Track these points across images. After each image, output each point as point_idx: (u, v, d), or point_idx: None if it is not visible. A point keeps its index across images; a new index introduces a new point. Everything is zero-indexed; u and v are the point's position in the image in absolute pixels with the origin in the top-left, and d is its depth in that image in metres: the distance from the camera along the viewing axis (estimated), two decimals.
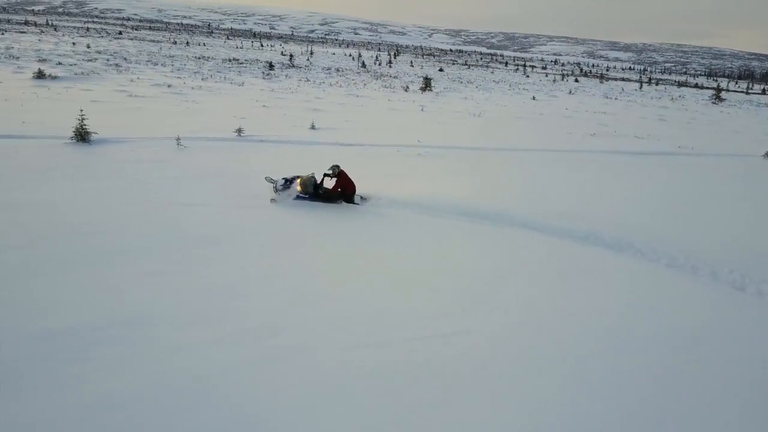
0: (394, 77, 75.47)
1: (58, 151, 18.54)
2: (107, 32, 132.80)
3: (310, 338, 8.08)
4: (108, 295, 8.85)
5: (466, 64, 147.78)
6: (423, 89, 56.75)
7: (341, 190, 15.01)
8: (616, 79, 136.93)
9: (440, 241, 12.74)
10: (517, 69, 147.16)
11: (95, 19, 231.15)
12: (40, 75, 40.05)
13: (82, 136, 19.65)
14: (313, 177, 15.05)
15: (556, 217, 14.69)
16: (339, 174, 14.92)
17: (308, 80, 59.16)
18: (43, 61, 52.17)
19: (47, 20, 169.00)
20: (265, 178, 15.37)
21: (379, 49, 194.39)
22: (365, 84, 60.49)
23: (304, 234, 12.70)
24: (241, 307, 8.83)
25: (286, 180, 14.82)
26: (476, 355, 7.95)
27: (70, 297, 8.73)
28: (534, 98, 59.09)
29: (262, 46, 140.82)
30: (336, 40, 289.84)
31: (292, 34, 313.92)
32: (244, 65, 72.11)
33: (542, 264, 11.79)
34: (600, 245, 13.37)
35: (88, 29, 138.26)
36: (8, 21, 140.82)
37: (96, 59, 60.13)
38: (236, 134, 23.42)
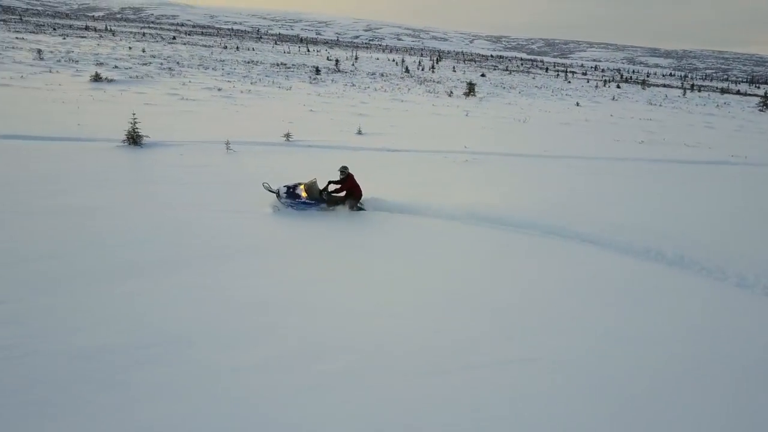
0: (438, 82, 74.61)
1: (110, 154, 18.25)
2: (162, 37, 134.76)
3: (360, 363, 7.35)
4: (148, 311, 8.27)
5: (507, 70, 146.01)
6: (467, 94, 55.81)
7: (348, 193, 14.20)
8: (657, 86, 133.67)
9: (495, 254, 11.92)
10: (558, 75, 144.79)
11: (151, 25, 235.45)
12: (96, 78, 40.35)
13: (134, 139, 19.36)
14: (316, 182, 14.22)
15: (614, 231, 13.70)
16: (347, 176, 14.15)
17: (354, 85, 58.70)
18: (101, 64, 52.76)
19: (106, 26, 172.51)
20: (263, 184, 14.22)
21: (422, 55, 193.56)
22: (409, 89, 59.80)
23: (343, 245, 11.99)
24: (281, 325, 8.17)
25: (289, 188, 13.70)
26: (542, 386, 7.14)
27: (110, 312, 8.17)
28: (578, 104, 57.61)
29: (308, 51, 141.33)
30: (379, 45, 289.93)
31: (337, 39, 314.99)
32: (292, 70, 72.08)
33: (604, 282, 10.85)
34: (662, 262, 12.36)
35: (144, 34, 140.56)
36: (70, 26, 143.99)
37: (150, 63, 60.66)
38: (284, 139, 22.92)
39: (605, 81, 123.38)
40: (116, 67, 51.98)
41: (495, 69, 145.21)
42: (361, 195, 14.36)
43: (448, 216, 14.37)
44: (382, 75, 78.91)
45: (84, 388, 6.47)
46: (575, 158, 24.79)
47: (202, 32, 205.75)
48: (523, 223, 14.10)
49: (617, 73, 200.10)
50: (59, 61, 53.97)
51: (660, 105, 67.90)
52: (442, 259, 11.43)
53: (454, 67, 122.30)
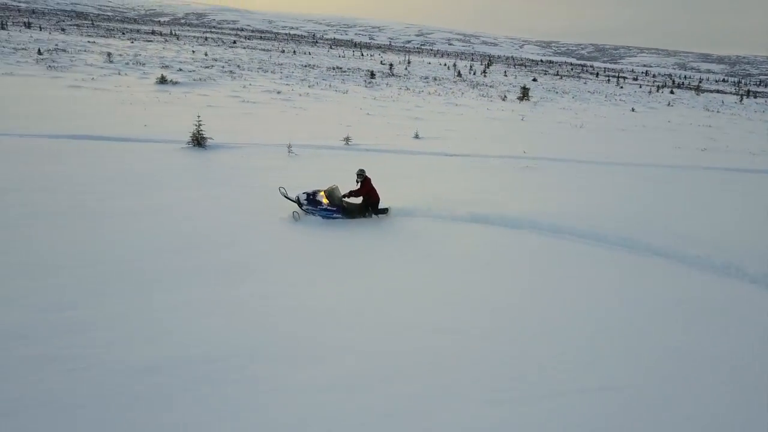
0: (490, 86, 73.37)
1: (176, 155, 18.08)
2: (223, 41, 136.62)
3: (437, 387, 6.73)
4: (213, 322, 7.82)
5: (557, 75, 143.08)
6: (521, 99, 54.56)
7: (366, 197, 13.23)
8: (710, 91, 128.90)
9: (565, 268, 11.06)
10: (609, 80, 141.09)
11: (213, 30, 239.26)
12: (162, 80, 40.78)
13: (198, 141, 19.18)
14: (338, 188, 13.25)
15: (688, 244, 12.71)
16: (365, 179, 13.20)
17: (408, 89, 58.10)
18: (166, 67, 53.48)
19: (171, 30, 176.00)
20: (279, 189, 13.21)
21: (472, 59, 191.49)
22: (463, 93, 58.85)
23: (403, 256, 11.28)
24: (346, 339, 7.62)
25: (309, 195, 12.75)
26: (627, 419, 6.40)
27: (176, 322, 7.76)
28: (633, 110, 55.66)
29: (362, 55, 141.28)
30: (431, 50, 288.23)
31: (389, 44, 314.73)
32: (347, 73, 71.90)
33: (685, 303, 9.88)
34: (744, 279, 11.35)
35: (206, 39, 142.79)
36: (138, 31, 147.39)
37: (212, 66, 61.28)
38: (344, 143, 22.46)
39: (658, 87, 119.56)
40: (180, 69, 52.58)
41: (545, 73, 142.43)
42: (378, 199, 13.37)
43: (509, 224, 13.62)
44: (435, 79, 78.04)
45: (145, 407, 6.03)
46: (636, 166, 23.58)
47: (261, 36, 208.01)
48: (590, 233, 13.24)
49: (669, 79, 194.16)
50: (127, 63, 54.94)
51: (717, 111, 65.14)
52: (507, 272, 10.69)
53: (505, 72, 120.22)
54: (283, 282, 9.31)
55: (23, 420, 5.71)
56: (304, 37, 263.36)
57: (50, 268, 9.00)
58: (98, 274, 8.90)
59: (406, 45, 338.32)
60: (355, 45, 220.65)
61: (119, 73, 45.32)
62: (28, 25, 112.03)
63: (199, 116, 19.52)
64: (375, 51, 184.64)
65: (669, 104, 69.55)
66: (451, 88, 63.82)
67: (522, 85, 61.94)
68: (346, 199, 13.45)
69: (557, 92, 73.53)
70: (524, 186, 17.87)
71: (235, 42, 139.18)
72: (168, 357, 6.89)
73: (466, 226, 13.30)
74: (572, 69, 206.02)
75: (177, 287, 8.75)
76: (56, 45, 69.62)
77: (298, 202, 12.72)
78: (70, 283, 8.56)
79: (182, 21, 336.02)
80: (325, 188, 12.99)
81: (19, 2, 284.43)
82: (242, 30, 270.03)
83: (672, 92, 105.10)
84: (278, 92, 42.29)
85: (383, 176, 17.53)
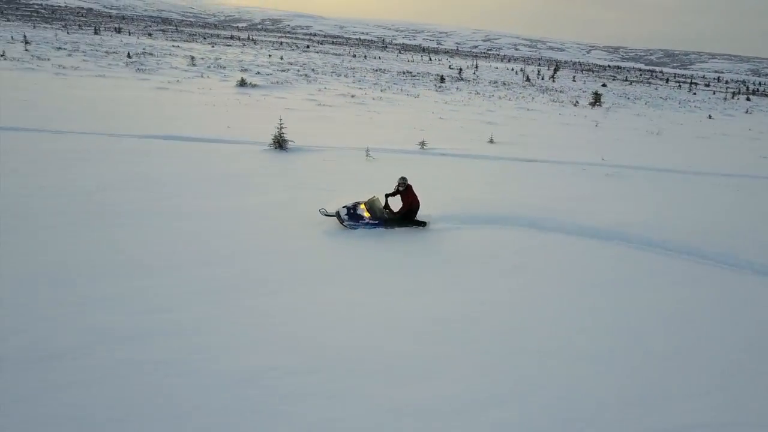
0: (560, 91, 71.44)
1: (259, 157, 18.04)
2: (297, 46, 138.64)
3: (544, 410, 6.15)
4: (305, 329, 7.46)
5: (626, 80, 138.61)
6: (592, 104, 52.76)
7: (409, 207, 12.14)
8: None
9: (655, 286, 10.20)
10: (680, 86, 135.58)
11: (287, 35, 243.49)
12: (242, 83, 41.34)
13: (279, 143, 19.09)
14: (378, 199, 12.26)
15: None
16: (407, 188, 12.16)
17: (478, 93, 57.16)
18: (245, 70, 54.35)
19: (248, 35, 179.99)
20: (320, 210, 12.11)
21: (539, 64, 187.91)
22: (533, 98, 57.43)
23: (495, 266, 10.67)
24: (445, 357, 7.11)
25: (349, 209, 11.79)
26: None
27: (272, 329, 7.47)
28: (710, 117, 53.02)
29: (430, 60, 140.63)
30: (497, 55, 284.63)
31: (457, 49, 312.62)
32: (417, 78, 71.45)
33: None
34: None
35: (281, 43, 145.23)
36: (218, 36, 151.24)
37: (288, 70, 61.97)
38: (419, 147, 21.98)
39: (732, 93, 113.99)
40: (258, 73, 53.34)
41: (614, 79, 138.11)
42: (419, 207, 12.28)
43: (598, 235, 12.82)
44: (504, 83, 76.65)
45: (245, 419, 5.70)
46: (721, 175, 22.15)
47: (333, 41, 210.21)
48: (686, 248, 12.29)
49: (742, 85, 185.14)
50: (209, 67, 56.16)
51: None
52: (592, 288, 9.89)
53: (573, 77, 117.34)
54: (365, 290, 8.89)
55: (131, 427, 5.48)
56: (374, 42, 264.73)
57: (145, 268, 8.86)
58: (191, 278, 8.71)
59: (473, 50, 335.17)
60: (423, 50, 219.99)
61: (202, 76, 46.29)
62: (119, 30, 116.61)
63: (281, 119, 19.41)
64: (442, 56, 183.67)
65: (747, 111, 65.97)
66: (521, 93, 62.43)
67: (593, 91, 59.98)
68: (387, 210, 12.42)
69: (629, 98, 70.90)
70: (608, 195, 16.93)
71: (308, 47, 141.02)
72: (267, 367, 6.57)
73: (553, 236, 12.59)
74: (641, 74, 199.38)
75: (266, 294, 8.47)
76: (144, 49, 71.96)
77: (338, 217, 11.80)
78: (164, 284, 8.40)
79: (259, 26, 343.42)
80: (365, 200, 12.06)
81: (111, 9, 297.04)
82: (315, 35, 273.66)
83: (748, 99, 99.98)
84: (352, 96, 42.21)
85: (460, 181, 17.03)
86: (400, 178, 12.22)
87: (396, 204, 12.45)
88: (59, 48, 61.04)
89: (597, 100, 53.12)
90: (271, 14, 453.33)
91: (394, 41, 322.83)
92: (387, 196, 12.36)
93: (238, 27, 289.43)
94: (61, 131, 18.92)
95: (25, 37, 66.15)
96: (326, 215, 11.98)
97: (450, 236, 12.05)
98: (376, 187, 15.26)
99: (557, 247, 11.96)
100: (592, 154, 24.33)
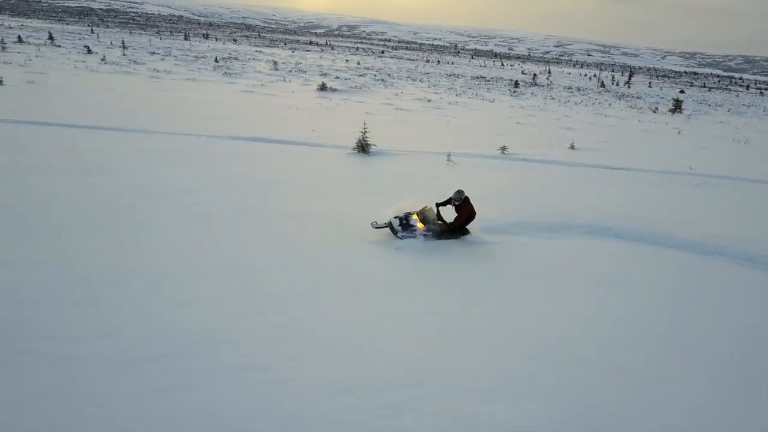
0: (637, 97, 68.64)
1: (343, 161, 17.93)
2: (372, 51, 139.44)
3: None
4: (405, 339, 7.13)
5: (704, 86, 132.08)
6: (672, 111, 50.32)
7: (467, 219, 11.26)
8: None
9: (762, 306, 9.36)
10: (762, 93, 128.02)
11: (363, 40, 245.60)
12: (322, 88, 41.71)
13: (363, 147, 18.94)
14: (431, 209, 11.43)
15: None
16: (465, 200, 11.23)
17: (553, 98, 55.61)
18: (324, 75, 54.91)
19: (326, 41, 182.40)
20: (371, 224, 11.19)
21: (612, 70, 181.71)
22: (610, 104, 55.35)
23: (590, 278, 10.03)
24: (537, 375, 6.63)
25: (401, 219, 10.92)
26: None
27: (368, 337, 7.16)
28: None
29: (503, 65, 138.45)
30: (569, 60, 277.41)
31: (528, 54, 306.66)
32: (491, 83, 70.33)
33: None
34: None
35: (357, 49, 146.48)
36: (297, 41, 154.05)
37: (365, 74, 62.21)
38: (500, 152, 21.37)
39: None
40: (337, 77, 53.75)
41: (691, 85, 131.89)
42: (474, 218, 11.39)
43: (685, 247, 11.96)
44: (579, 89, 74.31)
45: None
46: None
47: (407, 47, 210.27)
48: None
49: None
50: (290, 71, 57.07)
51: None
52: (695, 305, 9.14)
53: (649, 83, 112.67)
54: (452, 302, 8.49)
55: None
56: (447, 47, 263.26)
57: (241, 269, 8.75)
58: (287, 280, 8.55)
59: (545, 55, 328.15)
60: (494, 55, 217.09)
61: (284, 80, 47.04)
62: (206, 36, 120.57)
63: (365, 124, 19.25)
64: (514, 61, 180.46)
65: None
66: (596, 99, 60.36)
67: (673, 97, 57.30)
68: (440, 221, 11.61)
69: (709, 105, 67.34)
70: (699, 205, 15.88)
71: (383, 52, 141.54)
72: (365, 377, 6.29)
73: (643, 247, 11.83)
74: (719, 81, 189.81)
75: (362, 299, 8.22)
76: (229, 54, 73.97)
77: (391, 228, 10.93)
78: (259, 286, 8.27)
79: (336, 32, 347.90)
80: (417, 210, 11.17)
81: (199, 16, 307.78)
82: (389, 41, 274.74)
83: None
84: (428, 100, 41.83)
85: (544, 188, 16.36)
86: (456, 191, 11.21)
87: (447, 215, 11.69)
88: (153, 53, 63.50)
89: (677, 106, 50.58)
90: (347, 20, 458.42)
91: (466, 47, 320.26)
92: (438, 205, 11.54)
93: (316, 33, 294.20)
94: (156, 132, 19.41)
95: (123, 42, 69.19)
96: (378, 227, 11.10)
97: (536, 245, 11.45)
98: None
99: (650, 259, 11.18)
100: (676, 162, 23.02)
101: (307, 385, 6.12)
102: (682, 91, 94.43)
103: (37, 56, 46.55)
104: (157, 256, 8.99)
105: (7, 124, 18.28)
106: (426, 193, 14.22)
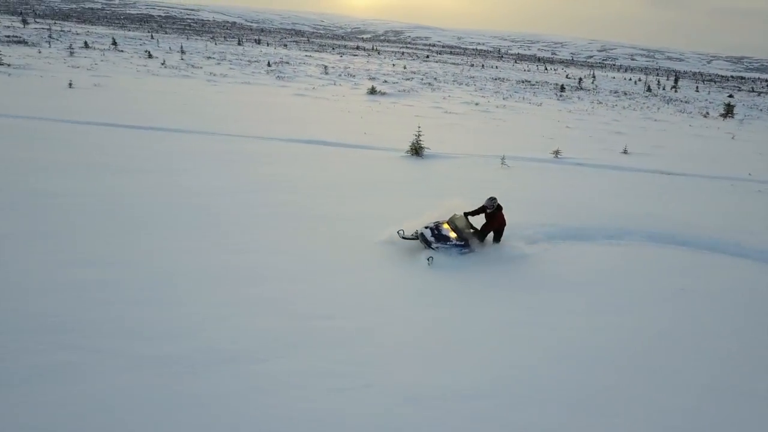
0: (685, 102, 66.28)
1: (398, 164, 17.66)
2: (417, 56, 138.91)
3: None
4: (471, 349, 6.80)
5: (754, 91, 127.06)
6: (723, 116, 48.35)
7: (498, 228, 10.39)
8: None
9: None
10: None
11: (408, 45, 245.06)
12: (372, 91, 41.56)
13: (416, 151, 18.62)
14: (463, 217, 10.36)
15: None
16: (498, 208, 10.25)
17: (600, 102, 54.12)
18: (372, 79, 54.79)
19: (373, 46, 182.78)
20: (398, 233, 10.09)
21: (657, 74, 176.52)
22: (658, 108, 53.55)
23: (663, 289, 9.50)
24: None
25: (433, 229, 9.86)
26: None
27: (435, 347, 6.87)
28: None
29: (546, 69, 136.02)
30: (613, 65, 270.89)
31: (572, 59, 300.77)
32: (536, 87, 69.06)
33: None
34: None
35: (402, 53, 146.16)
36: (344, 46, 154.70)
37: (412, 78, 61.87)
38: (553, 155, 20.74)
39: None
40: (385, 81, 53.57)
41: (739, 90, 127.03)
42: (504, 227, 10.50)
43: (758, 257, 11.25)
44: (625, 93, 72.23)
45: None
46: None
47: (450, 52, 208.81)
48: None
49: None
50: (340, 75, 57.20)
51: None
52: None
53: (696, 87, 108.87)
54: (526, 309, 8.10)
55: None
56: (490, 52, 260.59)
57: (309, 272, 8.56)
58: (355, 283, 8.32)
59: (588, 60, 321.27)
60: (538, 60, 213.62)
61: (334, 84, 47.11)
62: (258, 42, 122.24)
63: (419, 127, 18.93)
64: (558, 65, 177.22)
65: None
66: (644, 103, 58.52)
67: (724, 102, 55.12)
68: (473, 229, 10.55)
69: (761, 110, 64.43)
70: (765, 213, 15.01)
71: (428, 56, 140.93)
72: (443, 385, 6.00)
73: (710, 256, 11.18)
74: None
75: (426, 303, 7.94)
76: (281, 58, 74.70)
77: (423, 239, 9.85)
78: (326, 289, 8.06)
79: (382, 38, 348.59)
80: (447, 219, 10.19)
81: (252, 23, 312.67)
82: (434, 45, 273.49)
83: None
84: (476, 104, 41.21)
85: (602, 193, 15.74)
86: (489, 198, 10.24)
87: (476, 222, 10.81)
88: (209, 57, 64.57)
89: (729, 111, 48.54)
90: (393, 26, 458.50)
91: (509, 51, 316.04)
92: (467, 215, 10.47)
93: (363, 38, 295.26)
94: (221, 134, 19.52)
95: (181, 47, 70.60)
96: (405, 238, 10.04)
97: (599, 252, 10.94)
98: (513, 195, 14.36)
99: (720, 268, 10.56)
100: (734, 168, 21.94)
101: (376, 392, 5.87)
102: (730, 96, 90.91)
103: (102, 60, 47.83)
104: (233, 256, 8.87)
105: (81, 125, 18.65)
106: (482, 197, 13.87)
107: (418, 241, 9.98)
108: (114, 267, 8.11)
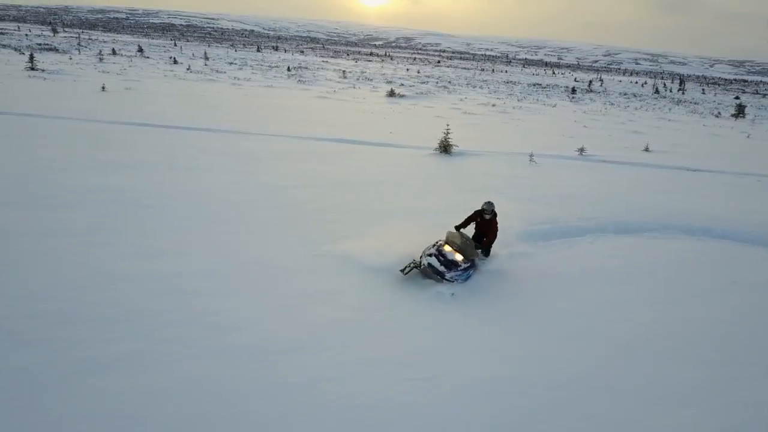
0: (694, 103, 65.34)
1: (429, 161, 17.34)
2: (428, 61, 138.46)
3: None
4: (535, 345, 6.49)
5: (758, 93, 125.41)
6: (735, 116, 47.58)
7: (488, 238, 8.80)
8: None
9: None
10: None
11: (419, 51, 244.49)
12: (391, 94, 41.25)
13: (445, 148, 18.31)
14: (459, 234, 8.41)
15: None
16: (494, 214, 8.79)
17: (612, 104, 53.42)
18: (389, 82, 54.48)
19: (385, 52, 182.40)
20: (402, 271, 7.98)
21: (662, 78, 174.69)
22: (669, 109, 52.75)
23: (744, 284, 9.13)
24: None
25: (440, 257, 7.86)
26: None
27: (496, 341, 6.56)
28: None
29: (554, 73, 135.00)
30: (618, 69, 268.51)
31: (578, 63, 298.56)
32: (548, 89, 68.37)
33: None
34: None
35: (414, 59, 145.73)
36: (358, 52, 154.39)
37: (427, 82, 61.52)
38: (578, 153, 20.33)
39: None
40: (402, 84, 53.23)
41: (743, 92, 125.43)
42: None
43: None
44: (635, 95, 71.41)
45: None
46: None
47: (460, 57, 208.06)
48: None
49: None
50: (358, 79, 56.95)
51: None
52: None
53: (703, 90, 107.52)
54: (588, 300, 7.76)
55: None
56: (498, 57, 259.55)
57: (355, 264, 8.25)
58: (398, 275, 8.01)
59: (594, 64, 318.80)
60: (545, 64, 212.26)
61: (354, 87, 46.84)
62: (276, 48, 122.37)
63: (447, 125, 18.65)
64: (565, 70, 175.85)
65: None
66: (655, 104, 57.75)
67: (737, 103, 54.25)
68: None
69: None
70: None
71: (439, 62, 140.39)
72: (504, 378, 5.69)
73: (755, 249, 10.80)
74: None
75: (485, 300, 7.62)
76: (299, 64, 74.62)
77: (433, 272, 7.81)
78: (374, 281, 7.76)
79: (393, 44, 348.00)
80: (444, 240, 8.31)
81: (269, 30, 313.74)
82: (444, 51, 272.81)
83: None
84: (493, 105, 40.78)
85: (633, 188, 15.37)
86: (486, 202, 8.77)
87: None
88: (231, 63, 64.57)
89: (740, 111, 47.76)
90: (404, 33, 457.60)
91: (517, 56, 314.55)
92: (458, 228, 8.72)
93: (375, 45, 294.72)
94: (252, 133, 19.30)
95: (205, 53, 70.72)
96: (409, 271, 7.98)
97: (644, 245, 10.58)
98: (546, 191, 14.04)
99: (764, 262, 10.21)
100: (756, 165, 21.41)
101: (445, 383, 5.59)
102: (736, 97, 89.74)
103: (130, 66, 47.87)
104: (276, 251, 8.61)
105: (119, 126, 18.49)
106: (513, 192, 13.55)
107: (420, 274, 8.03)
108: (185, 258, 7.92)
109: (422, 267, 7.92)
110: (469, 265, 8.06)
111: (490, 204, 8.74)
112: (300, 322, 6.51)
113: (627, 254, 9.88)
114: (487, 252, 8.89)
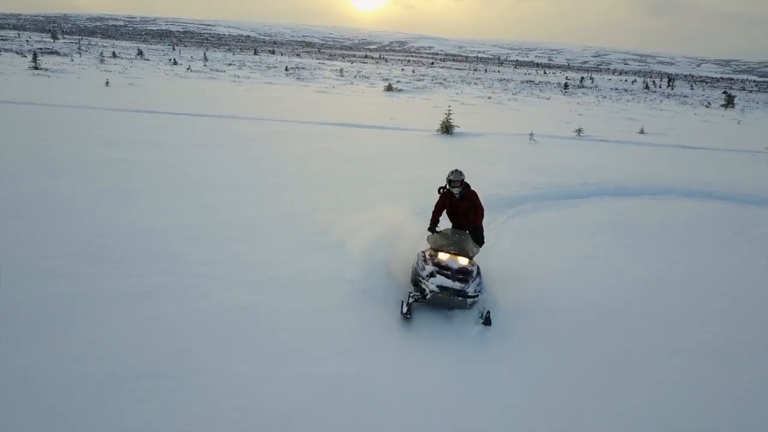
0: (684, 96, 65.66)
1: (431, 140, 17.53)
2: (422, 63, 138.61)
3: None
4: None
5: (744, 89, 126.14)
6: (725, 106, 47.84)
7: (473, 216, 6.52)
8: None
9: None
10: None
11: (413, 54, 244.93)
12: (389, 88, 41.33)
13: (447, 129, 18.42)
14: (452, 230, 6.44)
15: None
16: (467, 186, 6.46)
17: (604, 97, 53.61)
18: (386, 80, 54.48)
19: (380, 54, 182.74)
20: (404, 314, 5.61)
21: (651, 77, 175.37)
22: (660, 101, 52.94)
23: None
24: None
25: (445, 270, 5.83)
26: None
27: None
28: None
29: (545, 73, 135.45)
30: (607, 69, 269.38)
31: (568, 64, 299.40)
32: (540, 85, 68.57)
33: None
34: None
35: (408, 61, 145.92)
36: (353, 55, 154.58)
37: (423, 79, 61.63)
38: (576, 134, 20.49)
39: None
40: (399, 81, 53.29)
41: (730, 89, 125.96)
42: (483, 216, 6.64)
43: None
44: (626, 90, 71.68)
45: None
46: None
47: (453, 59, 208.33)
48: None
49: None
50: (355, 77, 57.06)
51: None
52: None
53: (691, 86, 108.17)
54: (617, 247, 7.85)
55: None
56: (490, 59, 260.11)
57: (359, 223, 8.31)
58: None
59: (584, 65, 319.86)
60: (536, 65, 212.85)
61: (351, 83, 46.90)
62: (272, 52, 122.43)
63: (449, 106, 18.75)
64: (555, 70, 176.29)
65: None
66: (646, 97, 58.01)
67: (726, 93, 54.50)
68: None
69: (757, 102, 63.78)
70: None
71: (432, 63, 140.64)
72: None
73: (755, 209, 10.96)
74: (756, 85, 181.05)
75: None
76: (296, 65, 74.64)
77: (449, 293, 5.64)
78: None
79: (387, 48, 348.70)
80: (433, 246, 6.27)
81: (264, 36, 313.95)
82: (437, 54, 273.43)
83: None
84: (489, 97, 40.95)
85: (633, 162, 15.51)
86: (453, 172, 6.43)
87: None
88: (230, 64, 64.53)
89: (729, 101, 48.02)
90: (398, 37, 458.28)
91: (508, 58, 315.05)
92: (432, 229, 6.56)
93: (369, 48, 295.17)
94: (259, 119, 19.38)
95: (204, 55, 70.72)
96: (410, 308, 5.67)
97: (647, 206, 10.77)
98: (548, 162, 14.13)
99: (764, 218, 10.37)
100: (749, 144, 21.62)
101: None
102: (724, 92, 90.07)
103: (131, 66, 47.82)
104: (298, 208, 8.71)
105: (128, 113, 18.52)
106: (515, 164, 13.63)
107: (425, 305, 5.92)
108: (190, 215, 8.00)
109: (428, 295, 5.72)
110: (478, 267, 6.14)
111: (457, 173, 6.39)
112: (329, 259, 6.66)
113: (634, 212, 10.10)
114: (480, 239, 6.63)
